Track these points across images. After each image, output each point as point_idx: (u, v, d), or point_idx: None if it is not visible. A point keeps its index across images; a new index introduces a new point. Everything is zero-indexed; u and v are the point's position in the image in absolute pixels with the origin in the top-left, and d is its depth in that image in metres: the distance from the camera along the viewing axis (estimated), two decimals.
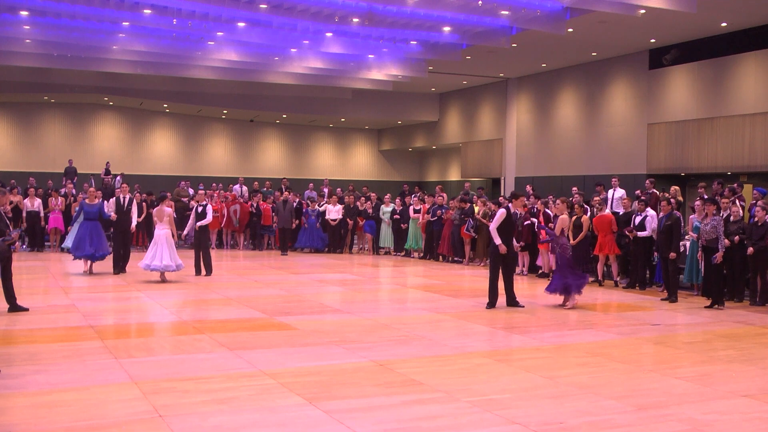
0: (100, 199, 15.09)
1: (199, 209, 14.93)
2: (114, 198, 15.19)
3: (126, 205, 14.83)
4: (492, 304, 11.19)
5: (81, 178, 24.37)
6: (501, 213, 11.14)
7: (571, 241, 13.36)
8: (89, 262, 14.23)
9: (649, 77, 21.54)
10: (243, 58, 22.97)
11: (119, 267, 14.73)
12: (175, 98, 28.15)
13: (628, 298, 12.64)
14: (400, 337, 8.73)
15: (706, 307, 11.56)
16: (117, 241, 15.00)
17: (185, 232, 16.63)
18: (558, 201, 13.87)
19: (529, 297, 13.01)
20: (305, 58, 23.23)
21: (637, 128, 21.92)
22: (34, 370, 6.75)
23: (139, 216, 19.95)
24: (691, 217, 13.44)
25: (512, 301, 11.29)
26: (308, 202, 21.08)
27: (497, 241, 10.96)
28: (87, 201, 14.50)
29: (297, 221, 20.71)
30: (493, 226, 11.10)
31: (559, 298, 11.60)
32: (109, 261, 14.75)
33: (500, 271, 11.17)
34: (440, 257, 19.00)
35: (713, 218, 11.71)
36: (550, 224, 14.82)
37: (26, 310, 9.97)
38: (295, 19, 19.00)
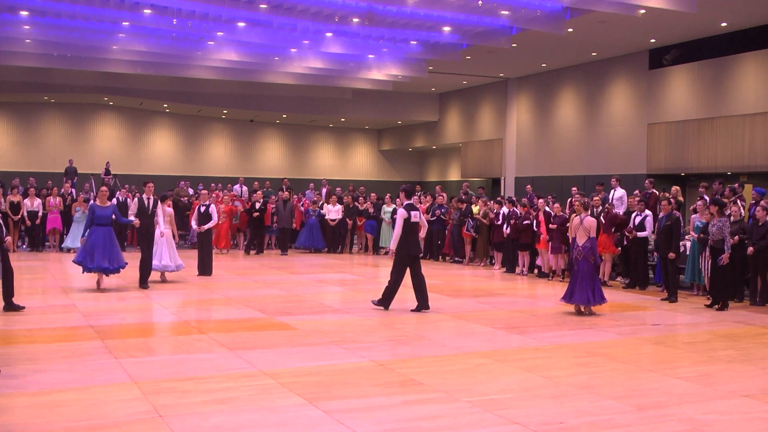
0: (113, 201, 13.35)
1: (202, 209, 14.95)
2: (136, 199, 13.11)
3: (150, 207, 12.83)
4: (425, 306, 10.72)
5: (81, 178, 24.38)
6: (402, 213, 10.64)
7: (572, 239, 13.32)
8: (100, 275, 12.14)
9: (649, 77, 21.54)
10: (243, 58, 22.97)
11: (145, 280, 12.67)
12: (175, 98, 28.15)
13: (628, 298, 12.64)
14: (400, 337, 8.73)
15: (706, 305, 11.56)
16: (142, 249, 12.83)
17: (192, 233, 15.28)
18: (576, 203, 13.55)
19: (529, 297, 13.03)
20: (305, 58, 23.22)
21: (637, 128, 21.92)
22: (34, 370, 6.75)
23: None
24: (692, 216, 13.45)
25: (386, 302, 10.83)
26: (310, 202, 21.11)
27: (393, 245, 10.69)
28: (98, 203, 12.27)
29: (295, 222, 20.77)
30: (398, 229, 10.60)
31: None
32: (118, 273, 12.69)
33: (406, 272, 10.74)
34: (440, 257, 19.02)
35: (719, 219, 11.65)
36: (551, 225, 14.80)
37: (22, 308, 9.95)
38: (295, 19, 19.00)
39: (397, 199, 12.59)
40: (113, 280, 14.13)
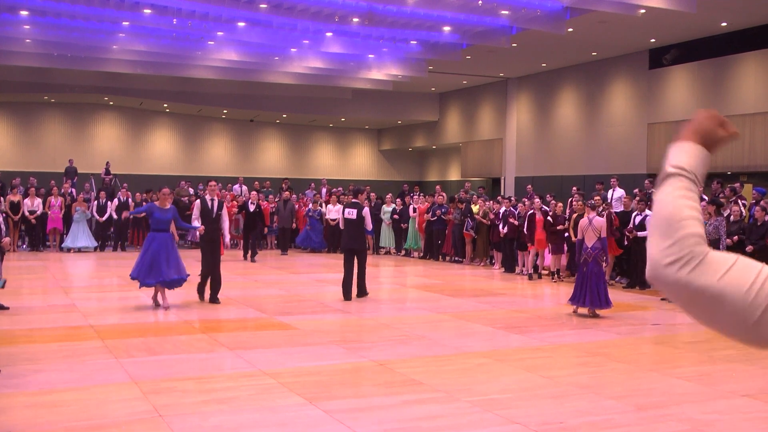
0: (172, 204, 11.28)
1: None
2: (198, 201, 11.36)
3: (215, 210, 11.01)
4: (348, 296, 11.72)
5: (81, 178, 24.37)
6: (367, 210, 11.94)
7: (573, 238, 13.34)
8: (163, 290, 10.58)
9: (649, 77, 21.53)
10: (243, 58, 22.98)
11: (213, 293, 11.07)
12: (175, 98, 28.14)
13: (628, 298, 12.64)
14: (400, 337, 8.73)
15: None
16: (206, 258, 11.07)
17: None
18: (580, 203, 13.72)
19: (529, 297, 13.03)
20: (305, 58, 23.23)
21: (637, 128, 21.91)
22: (34, 370, 6.75)
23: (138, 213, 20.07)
24: None
25: (363, 292, 11.92)
26: (311, 202, 21.13)
27: (370, 227, 12.18)
28: (158, 204, 10.57)
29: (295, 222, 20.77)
30: (368, 221, 11.93)
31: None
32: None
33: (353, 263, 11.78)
34: (440, 257, 19.03)
35: (715, 219, 11.68)
36: (559, 225, 14.76)
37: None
38: (295, 19, 19.00)
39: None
40: (115, 280, 14.15)
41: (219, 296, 11.14)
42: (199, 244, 11.40)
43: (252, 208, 18.76)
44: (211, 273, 11.02)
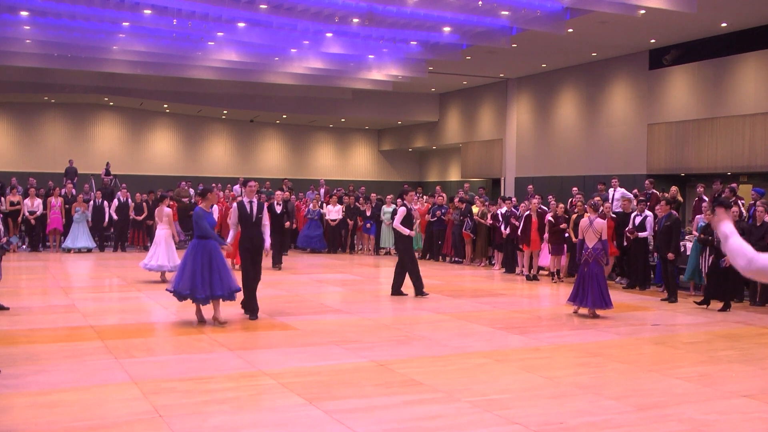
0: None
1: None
2: (235, 204, 10.07)
3: (255, 214, 9.79)
4: (420, 290, 12.17)
5: (81, 178, 24.38)
6: (402, 211, 12.18)
7: (573, 239, 13.35)
8: (216, 303, 9.25)
9: (649, 77, 21.54)
10: (243, 58, 22.98)
11: (252, 307, 9.77)
12: (175, 98, 28.14)
13: (628, 298, 12.63)
14: (400, 337, 8.73)
15: (696, 303, 11.59)
16: (246, 266, 9.81)
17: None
18: (580, 204, 13.89)
19: (528, 297, 13.04)
20: (305, 58, 23.23)
21: (637, 128, 21.92)
22: (35, 370, 6.75)
23: (138, 214, 20.04)
24: (697, 217, 13.45)
25: (399, 290, 12.30)
26: (311, 203, 21.10)
27: (406, 232, 12.12)
28: (203, 206, 9.41)
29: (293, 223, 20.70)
30: (397, 222, 12.11)
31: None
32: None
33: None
34: (440, 257, 19.02)
35: None
36: (563, 225, 14.75)
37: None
38: (295, 19, 19.01)
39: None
40: (115, 280, 14.15)
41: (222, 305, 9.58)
42: (241, 253, 10.02)
43: (279, 209, 16.21)
44: (253, 282, 9.83)
